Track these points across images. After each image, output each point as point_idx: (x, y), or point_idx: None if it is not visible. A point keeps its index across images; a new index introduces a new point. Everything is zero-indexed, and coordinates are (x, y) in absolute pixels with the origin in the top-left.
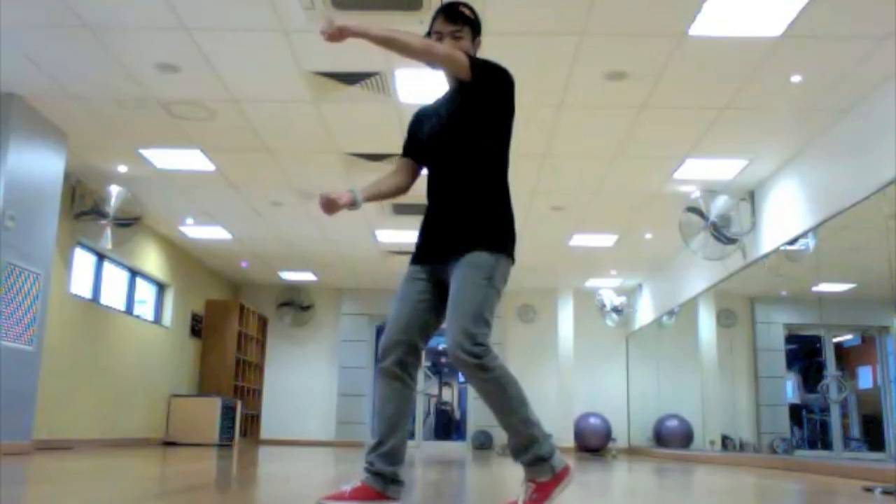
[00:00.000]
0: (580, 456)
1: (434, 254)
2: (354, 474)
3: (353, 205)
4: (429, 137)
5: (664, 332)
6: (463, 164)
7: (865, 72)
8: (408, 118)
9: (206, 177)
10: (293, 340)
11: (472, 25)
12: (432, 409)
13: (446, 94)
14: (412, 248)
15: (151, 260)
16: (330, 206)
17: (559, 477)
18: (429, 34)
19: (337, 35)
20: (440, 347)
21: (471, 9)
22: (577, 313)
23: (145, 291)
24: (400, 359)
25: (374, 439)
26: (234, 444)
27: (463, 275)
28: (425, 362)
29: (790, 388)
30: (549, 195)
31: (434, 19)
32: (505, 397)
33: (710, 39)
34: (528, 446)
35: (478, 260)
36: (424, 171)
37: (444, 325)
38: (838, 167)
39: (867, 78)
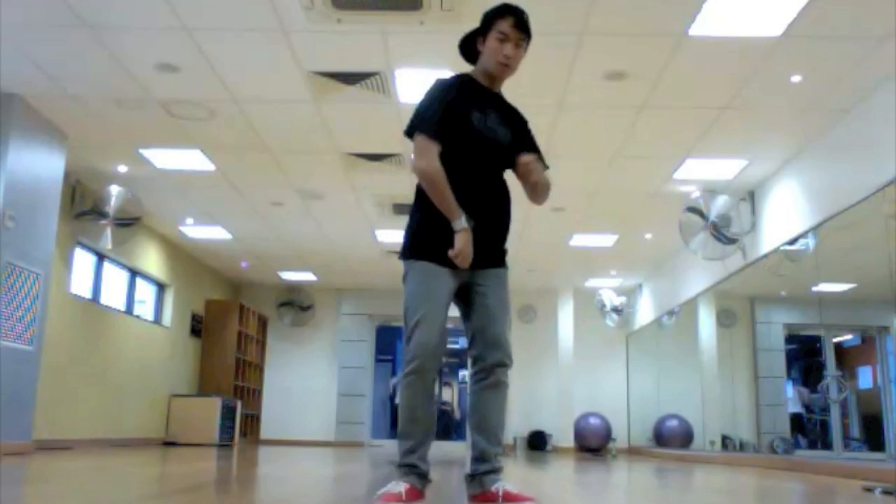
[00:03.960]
0: (580, 456)
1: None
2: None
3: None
4: (492, 138)
5: (664, 332)
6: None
7: (865, 72)
8: (407, 118)
9: (206, 177)
10: (293, 340)
11: (529, 41)
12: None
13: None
14: None
15: (151, 260)
16: (467, 254)
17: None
18: (484, 29)
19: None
20: None
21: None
22: (577, 313)
23: (145, 291)
24: (440, 364)
25: (411, 441)
26: (234, 445)
27: (503, 288)
28: None
29: (790, 392)
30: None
31: (497, 17)
32: (505, 409)
33: (710, 39)
34: (499, 455)
35: (506, 275)
36: None
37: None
38: (838, 167)
39: (867, 78)
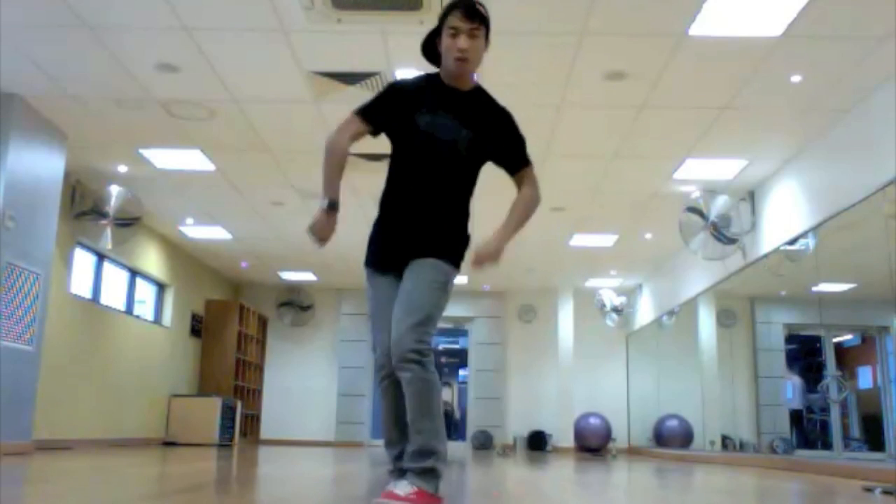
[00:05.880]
0: (580, 456)
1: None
2: (387, 475)
3: (333, 210)
4: (438, 138)
5: (664, 332)
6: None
7: (865, 72)
8: None
9: (206, 177)
10: (293, 340)
11: (487, 25)
12: None
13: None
14: None
15: (151, 260)
16: (324, 236)
17: (438, 500)
18: (439, 28)
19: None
20: (440, 347)
21: (485, 8)
22: (577, 313)
23: (145, 291)
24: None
25: (398, 448)
26: (234, 445)
27: (418, 275)
28: None
29: (790, 390)
30: (549, 195)
31: (448, 13)
32: (431, 402)
33: (710, 39)
34: (428, 456)
35: (429, 264)
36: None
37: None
38: (838, 167)
39: (867, 78)
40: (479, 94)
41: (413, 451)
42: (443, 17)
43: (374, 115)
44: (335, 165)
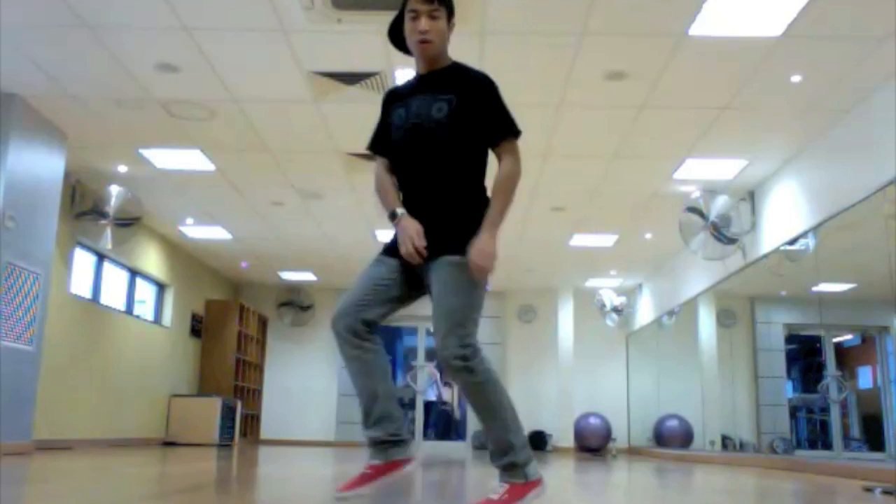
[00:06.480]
0: (580, 456)
1: None
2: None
3: (396, 218)
4: (414, 124)
5: (664, 332)
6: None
7: (865, 72)
8: None
9: (206, 177)
10: (293, 340)
11: (448, 6)
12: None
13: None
14: None
15: (151, 260)
16: (406, 243)
17: (532, 484)
18: (401, 13)
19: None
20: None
21: None
22: (577, 313)
23: (145, 291)
24: (352, 325)
25: (362, 413)
26: (234, 445)
27: (445, 279)
28: (431, 363)
29: (789, 391)
30: (549, 195)
31: None
32: (489, 401)
33: (710, 39)
34: (506, 451)
35: (452, 263)
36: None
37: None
38: (838, 167)
39: (867, 78)
40: (456, 67)
41: (491, 452)
42: (403, 3)
43: (378, 145)
44: (382, 196)
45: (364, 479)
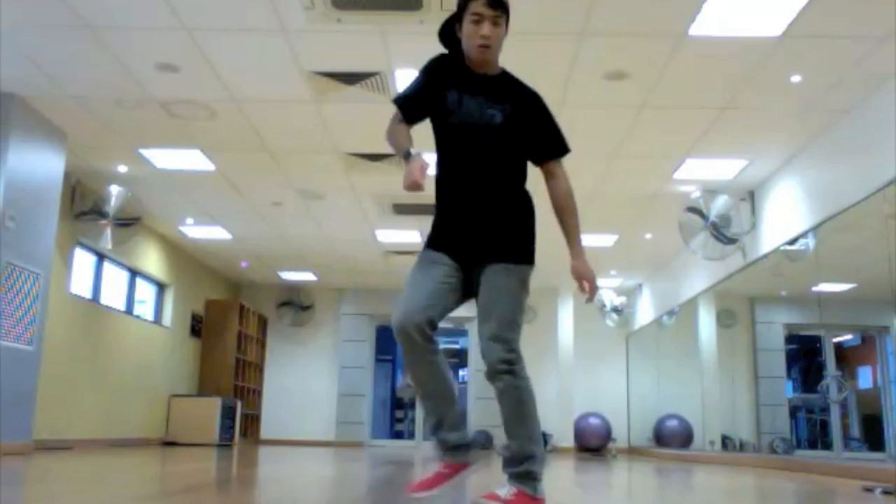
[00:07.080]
0: (580, 456)
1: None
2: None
3: (410, 157)
4: (466, 121)
5: (664, 332)
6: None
7: (865, 72)
8: None
9: (206, 177)
10: (293, 340)
11: (508, 12)
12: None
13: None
14: (412, 248)
15: (151, 260)
16: (412, 181)
17: (538, 501)
18: (459, 14)
19: None
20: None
21: None
22: (577, 313)
23: (145, 291)
24: (424, 327)
25: (434, 418)
26: (234, 445)
27: (497, 284)
28: None
29: (790, 391)
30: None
31: (470, 0)
32: (523, 407)
33: (710, 39)
34: (525, 460)
35: (506, 269)
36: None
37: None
38: (838, 167)
39: (867, 78)
40: (508, 77)
41: (509, 457)
42: (464, 3)
43: (408, 108)
44: (393, 140)
45: (441, 478)
